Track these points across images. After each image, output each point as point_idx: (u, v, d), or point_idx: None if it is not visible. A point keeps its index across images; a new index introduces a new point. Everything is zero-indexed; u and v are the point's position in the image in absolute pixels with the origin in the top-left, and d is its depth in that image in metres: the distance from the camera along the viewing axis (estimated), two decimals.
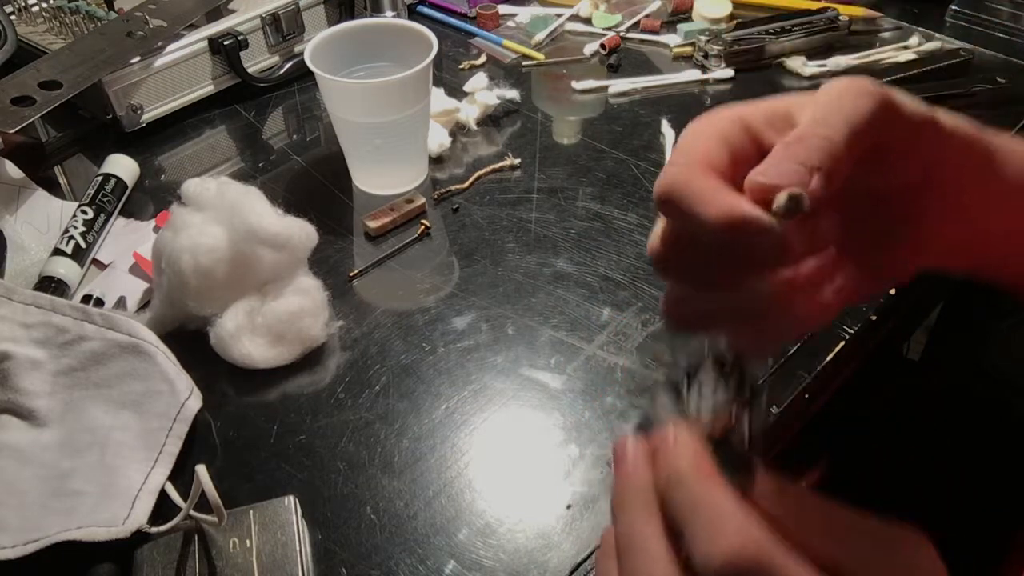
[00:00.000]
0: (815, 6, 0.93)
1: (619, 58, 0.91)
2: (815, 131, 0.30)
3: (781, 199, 0.29)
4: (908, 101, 0.33)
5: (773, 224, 0.29)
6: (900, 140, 0.33)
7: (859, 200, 0.35)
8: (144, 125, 0.82)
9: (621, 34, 0.94)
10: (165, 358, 0.56)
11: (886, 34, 0.93)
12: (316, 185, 0.76)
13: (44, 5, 0.86)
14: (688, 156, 0.32)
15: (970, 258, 0.39)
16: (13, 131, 0.70)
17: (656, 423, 0.34)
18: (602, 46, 0.92)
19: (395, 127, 0.69)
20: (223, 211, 0.58)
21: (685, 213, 0.30)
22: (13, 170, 0.74)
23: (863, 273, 0.36)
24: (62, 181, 0.79)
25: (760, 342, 0.35)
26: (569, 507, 0.50)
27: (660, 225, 0.34)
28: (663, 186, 0.31)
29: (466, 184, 0.75)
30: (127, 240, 0.70)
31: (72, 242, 0.67)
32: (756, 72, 0.88)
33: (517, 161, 0.77)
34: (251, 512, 0.48)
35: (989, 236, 0.39)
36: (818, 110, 0.31)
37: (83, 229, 0.68)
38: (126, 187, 0.74)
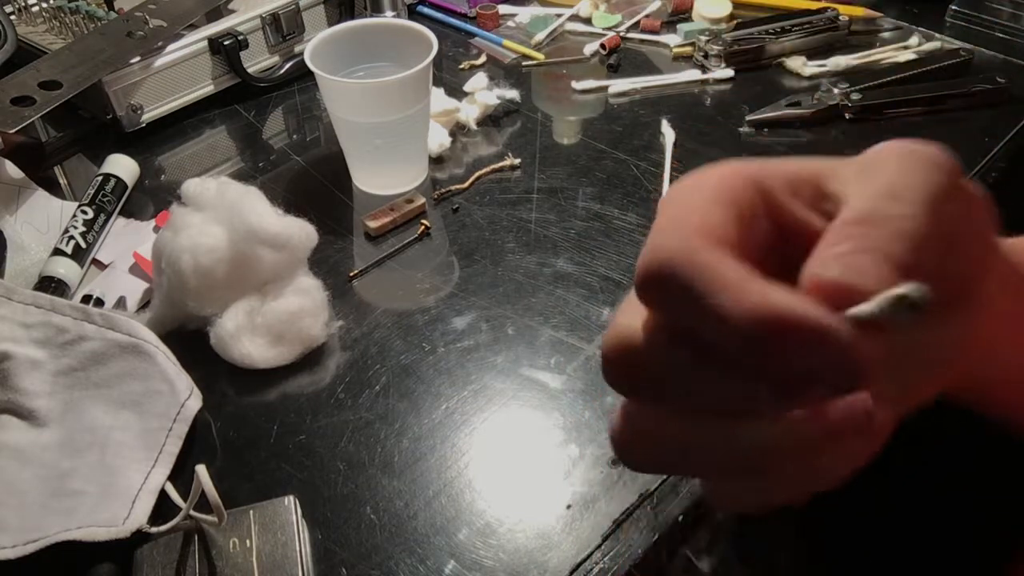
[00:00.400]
0: (815, 6, 0.93)
1: (619, 58, 0.91)
2: (891, 209, 0.22)
3: (898, 293, 0.20)
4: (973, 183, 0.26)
5: (845, 333, 0.20)
6: (964, 216, 0.25)
7: None
8: (144, 125, 0.82)
9: (621, 34, 0.94)
10: (165, 358, 0.56)
11: (886, 34, 0.93)
12: (316, 185, 0.76)
13: (44, 5, 0.86)
14: (685, 224, 0.23)
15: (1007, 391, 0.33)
16: (13, 131, 0.70)
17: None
18: (602, 46, 0.92)
19: (395, 127, 0.69)
20: (223, 211, 0.58)
21: (693, 303, 0.21)
22: (13, 170, 0.74)
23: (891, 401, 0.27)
24: (62, 181, 0.79)
25: (760, 502, 0.25)
26: (569, 507, 0.50)
27: (631, 316, 0.24)
28: (655, 263, 0.22)
29: (466, 184, 0.75)
30: (127, 240, 0.70)
31: (72, 242, 0.67)
32: (756, 72, 0.88)
33: (517, 161, 0.77)
34: (251, 512, 0.48)
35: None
36: (884, 180, 0.23)
37: (83, 229, 0.68)
38: (126, 187, 0.74)
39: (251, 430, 0.55)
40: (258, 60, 0.88)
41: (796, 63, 0.88)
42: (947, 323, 0.26)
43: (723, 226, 0.23)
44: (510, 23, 0.99)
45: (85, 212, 0.69)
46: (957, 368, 0.28)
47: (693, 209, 0.23)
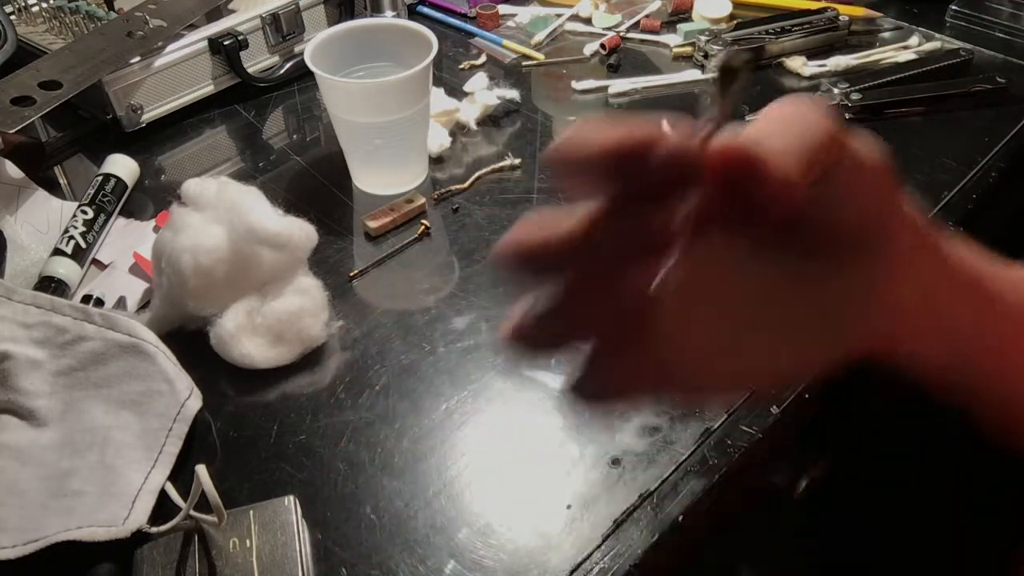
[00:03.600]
0: (815, 6, 0.93)
1: (619, 58, 0.91)
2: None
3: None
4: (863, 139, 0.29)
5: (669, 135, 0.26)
6: (845, 169, 0.28)
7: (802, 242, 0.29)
8: (144, 125, 0.82)
9: (621, 34, 0.94)
10: (165, 358, 0.56)
11: (886, 34, 0.93)
12: (316, 185, 0.76)
13: (44, 5, 0.86)
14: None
15: (939, 358, 0.34)
16: (13, 131, 0.70)
17: None
18: (602, 46, 0.92)
19: (395, 127, 0.69)
20: (223, 211, 0.58)
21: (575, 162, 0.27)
22: (13, 170, 0.74)
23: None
24: (62, 181, 0.79)
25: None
26: (569, 507, 0.50)
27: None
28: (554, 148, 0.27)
29: (466, 184, 0.75)
30: (127, 240, 0.70)
31: (72, 242, 0.67)
32: (756, 72, 0.88)
33: (517, 161, 0.77)
34: (251, 512, 0.48)
35: (965, 343, 0.34)
36: (764, 125, 0.28)
37: (83, 229, 0.68)
38: (126, 187, 0.74)
39: (251, 430, 0.55)
40: (258, 60, 0.88)
41: (796, 63, 0.88)
42: (851, 268, 0.30)
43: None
44: (510, 23, 0.99)
45: (85, 212, 0.69)
46: (876, 323, 0.31)
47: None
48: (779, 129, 0.28)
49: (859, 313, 0.31)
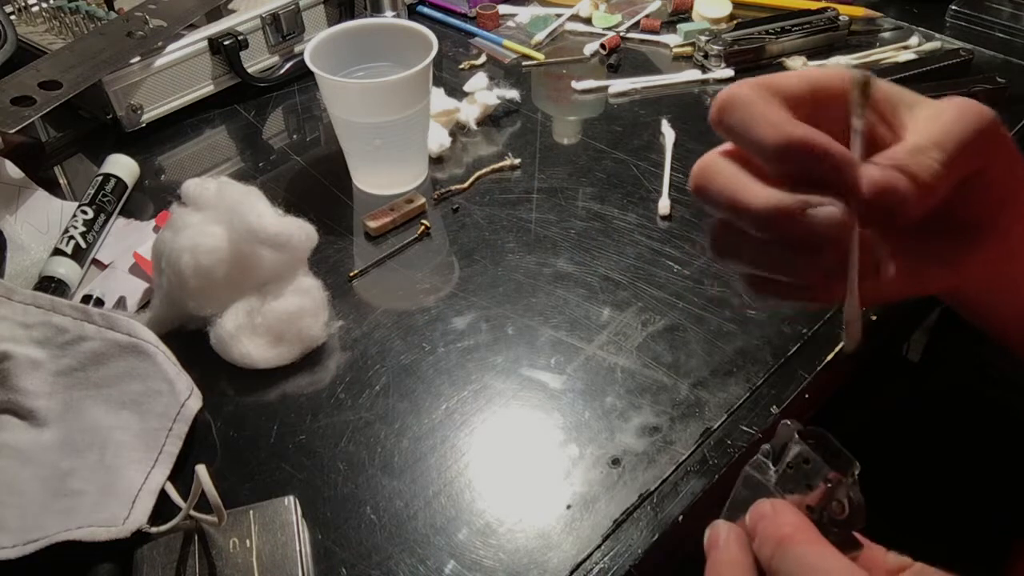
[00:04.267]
0: (815, 6, 0.93)
1: (619, 58, 0.91)
2: (932, 151, 0.32)
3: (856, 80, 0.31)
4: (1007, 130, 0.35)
5: (840, 152, 0.30)
6: (995, 164, 0.34)
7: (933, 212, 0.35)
8: (144, 125, 0.82)
9: (621, 34, 0.94)
10: (165, 358, 0.56)
11: (886, 34, 0.93)
12: (316, 185, 0.76)
13: (44, 5, 0.86)
14: (758, 81, 0.34)
15: (991, 305, 0.41)
16: (13, 131, 0.70)
17: (744, 507, 0.35)
18: (602, 46, 0.92)
19: (395, 127, 0.69)
20: (223, 211, 0.58)
21: (743, 128, 0.32)
22: (13, 170, 0.74)
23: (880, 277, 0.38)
24: (62, 181, 0.79)
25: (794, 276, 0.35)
26: (569, 507, 0.50)
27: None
28: (723, 96, 0.33)
29: (466, 184, 0.75)
30: (127, 240, 0.70)
31: (72, 242, 0.67)
32: (756, 72, 0.88)
33: (517, 161, 0.77)
34: (251, 512, 0.48)
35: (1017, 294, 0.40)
36: (938, 127, 0.33)
37: (83, 229, 0.68)
38: (126, 187, 0.74)
39: (251, 430, 0.55)
40: (258, 60, 0.88)
41: (796, 63, 0.88)
42: (969, 233, 0.36)
43: (794, 92, 0.34)
44: (510, 23, 0.99)
45: (85, 212, 0.69)
46: (955, 274, 0.38)
47: (774, 78, 0.34)
48: (940, 140, 0.32)
49: (941, 267, 0.37)
